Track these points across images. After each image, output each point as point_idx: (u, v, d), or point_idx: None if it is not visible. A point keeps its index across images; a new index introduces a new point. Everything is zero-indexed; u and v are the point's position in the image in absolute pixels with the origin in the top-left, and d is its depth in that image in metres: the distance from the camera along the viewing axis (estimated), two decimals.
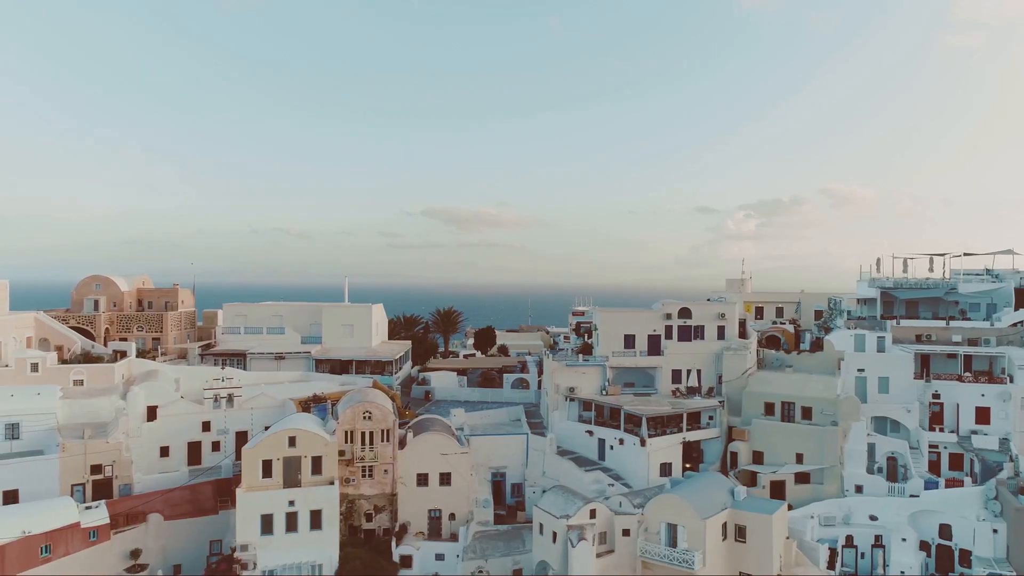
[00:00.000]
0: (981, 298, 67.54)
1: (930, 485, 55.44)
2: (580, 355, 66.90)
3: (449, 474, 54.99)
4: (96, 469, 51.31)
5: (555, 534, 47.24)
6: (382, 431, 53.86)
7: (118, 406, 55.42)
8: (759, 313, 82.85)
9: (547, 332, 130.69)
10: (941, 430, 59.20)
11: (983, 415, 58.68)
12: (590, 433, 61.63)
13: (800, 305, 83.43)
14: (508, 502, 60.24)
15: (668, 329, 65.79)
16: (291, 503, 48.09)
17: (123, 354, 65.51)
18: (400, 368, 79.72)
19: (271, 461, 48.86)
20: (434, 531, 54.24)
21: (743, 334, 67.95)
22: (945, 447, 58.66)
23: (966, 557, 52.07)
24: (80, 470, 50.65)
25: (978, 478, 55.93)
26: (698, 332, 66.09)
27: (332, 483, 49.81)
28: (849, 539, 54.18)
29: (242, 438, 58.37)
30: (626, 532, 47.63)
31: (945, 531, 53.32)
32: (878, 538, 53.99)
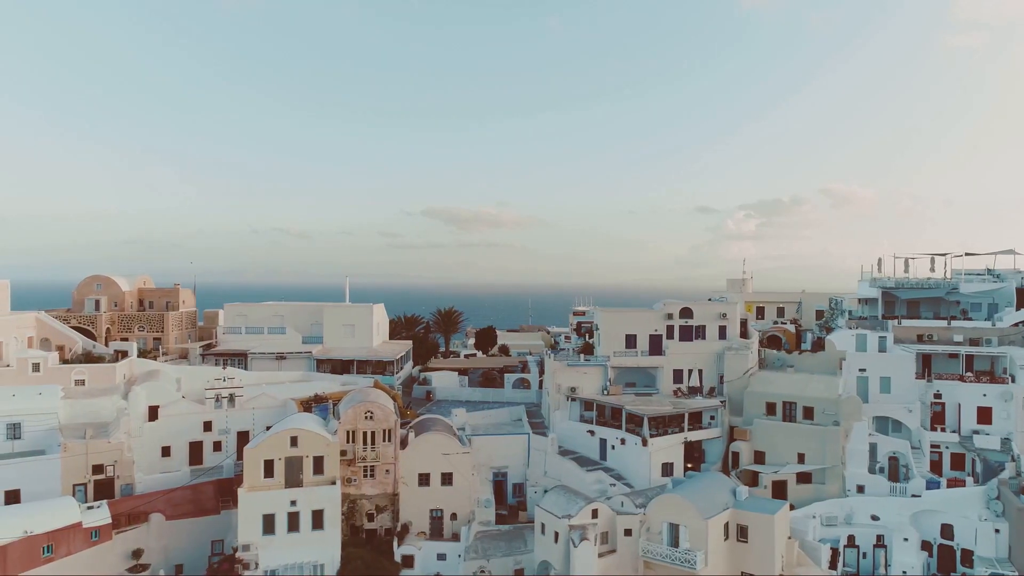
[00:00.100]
0: (983, 298, 67.50)
1: (932, 485, 55.42)
2: (582, 355, 66.89)
3: (451, 474, 54.98)
4: (98, 469, 51.24)
5: (557, 534, 47.22)
6: (384, 431, 53.86)
7: (119, 406, 55.39)
8: (760, 313, 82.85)
9: (548, 332, 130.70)
10: (943, 430, 59.19)
11: (985, 415, 58.67)
12: (592, 433, 61.63)
13: (801, 305, 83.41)
14: (509, 502, 60.23)
15: (669, 329, 65.78)
16: (293, 503, 48.13)
17: (124, 354, 65.48)
18: (401, 368, 79.72)
19: (273, 461, 48.90)
20: (436, 531, 54.23)
21: (744, 334, 67.95)
22: (947, 447, 58.67)
23: (968, 557, 52.07)
24: (82, 470, 50.60)
25: (980, 478, 55.91)
26: (699, 332, 66.09)
27: (334, 483, 49.83)
28: (851, 539, 54.14)
29: (243, 438, 58.38)
30: (628, 532, 47.64)
31: (947, 531, 53.32)
32: (880, 538, 53.95)
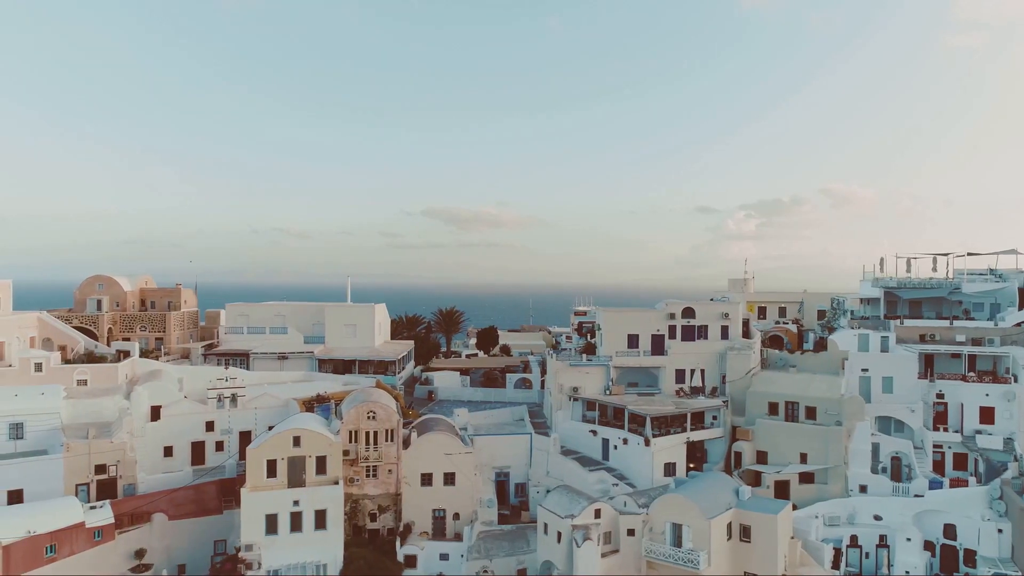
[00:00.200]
0: (985, 298, 67.46)
1: (934, 485, 55.39)
2: (584, 355, 66.87)
3: (453, 474, 54.93)
4: (100, 469, 51.23)
5: (560, 534, 47.17)
6: (386, 431, 53.82)
7: (122, 406, 55.41)
8: (762, 313, 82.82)
9: (549, 332, 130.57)
10: (945, 430, 59.15)
11: (987, 415, 58.63)
12: (594, 433, 61.63)
13: (803, 305, 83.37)
14: (512, 502, 60.23)
15: (672, 329, 65.76)
16: (296, 503, 48.14)
17: (126, 354, 65.50)
18: (403, 368, 79.72)
19: (276, 461, 48.94)
20: (438, 531, 54.19)
21: (747, 334, 67.95)
22: (949, 447, 58.67)
23: (971, 557, 52.11)
24: (84, 470, 50.59)
25: (982, 478, 55.91)
26: (702, 332, 66.06)
27: (336, 483, 49.83)
28: (854, 539, 54.14)
29: (245, 438, 58.41)
30: (631, 532, 47.59)
31: (949, 531, 53.32)
32: (882, 538, 53.97)
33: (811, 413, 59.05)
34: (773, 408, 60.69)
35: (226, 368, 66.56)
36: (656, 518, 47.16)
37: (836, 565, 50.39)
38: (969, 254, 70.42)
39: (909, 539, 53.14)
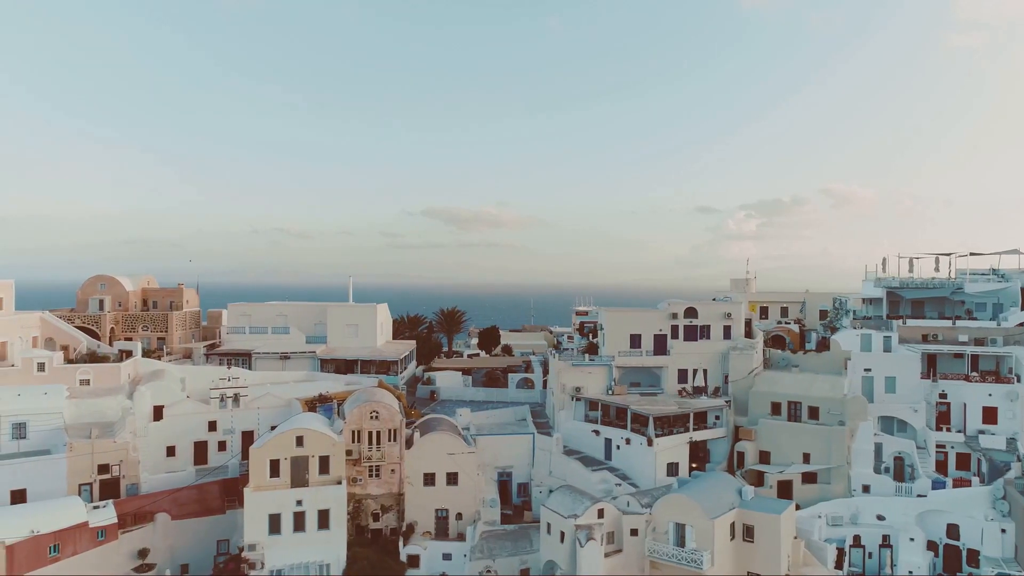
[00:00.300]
0: (987, 298, 67.41)
1: (937, 485, 55.36)
2: (586, 355, 66.88)
3: (456, 474, 54.91)
4: (103, 469, 51.29)
5: (563, 534, 47.15)
6: (389, 431, 53.81)
7: (124, 406, 55.42)
8: (764, 313, 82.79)
9: (550, 332, 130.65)
10: (948, 430, 59.10)
11: (990, 415, 58.58)
12: (596, 433, 61.59)
13: (805, 305, 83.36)
14: (514, 502, 60.22)
15: (674, 329, 65.72)
16: (299, 503, 48.10)
17: (129, 354, 65.52)
18: (405, 368, 79.73)
19: (279, 461, 48.91)
20: (441, 531, 54.18)
21: (749, 334, 67.93)
22: (952, 447, 58.61)
23: (974, 557, 52.07)
24: (87, 470, 50.62)
25: (985, 478, 55.88)
26: (704, 332, 66.03)
27: (339, 483, 49.82)
28: (857, 539, 54.11)
29: (248, 438, 58.38)
30: (634, 532, 47.54)
31: (953, 531, 53.29)
32: (886, 538, 53.94)
33: (814, 413, 59.05)
34: (776, 408, 60.68)
35: (228, 368, 66.55)
36: (659, 518, 47.12)
37: (839, 565, 50.39)
38: (972, 254, 70.44)
39: (912, 539, 53.11)
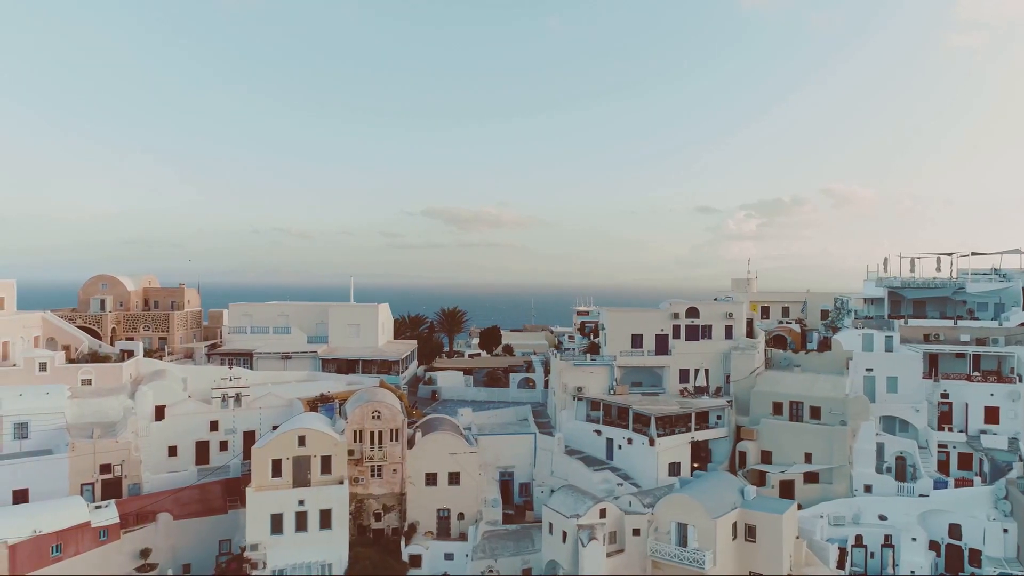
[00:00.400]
0: (989, 298, 67.45)
1: (939, 485, 55.35)
2: (588, 355, 66.85)
3: (458, 473, 54.91)
4: (105, 468, 51.29)
5: (565, 533, 47.17)
6: (391, 430, 53.82)
7: (126, 405, 55.43)
8: (765, 313, 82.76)
9: (551, 332, 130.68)
10: (950, 430, 59.14)
11: (992, 415, 58.63)
12: (598, 433, 61.57)
13: (806, 305, 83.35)
14: (516, 502, 60.22)
15: (676, 329, 65.71)
16: (301, 503, 48.08)
17: (130, 354, 65.50)
18: (406, 368, 79.75)
19: (281, 460, 48.87)
20: (443, 531, 54.18)
21: (751, 333, 67.93)
22: (954, 447, 58.62)
23: (976, 557, 52.05)
24: (89, 469, 50.61)
25: (987, 478, 55.85)
26: (706, 332, 66.02)
27: (341, 482, 49.80)
28: (859, 539, 54.10)
29: (250, 438, 58.34)
30: (636, 532, 47.57)
31: (955, 531, 53.28)
32: (888, 538, 53.92)
33: (815, 413, 59.04)
34: (777, 408, 60.68)
35: (230, 368, 66.56)
36: (661, 518, 47.14)
37: (841, 565, 50.40)
38: (973, 254, 70.47)
39: (914, 539, 53.08)
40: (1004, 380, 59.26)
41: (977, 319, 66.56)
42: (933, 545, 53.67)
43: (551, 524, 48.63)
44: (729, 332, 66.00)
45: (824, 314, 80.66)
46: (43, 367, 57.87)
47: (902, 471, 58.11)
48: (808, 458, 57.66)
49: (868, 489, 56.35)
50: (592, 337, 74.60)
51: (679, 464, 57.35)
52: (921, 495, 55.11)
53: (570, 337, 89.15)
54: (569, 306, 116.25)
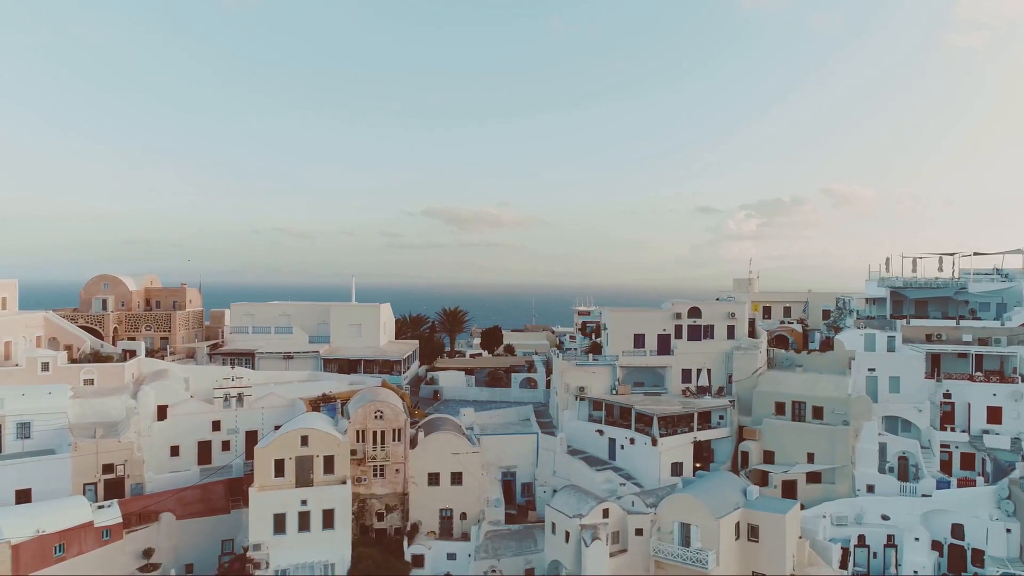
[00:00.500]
0: (991, 297, 67.47)
1: (942, 485, 55.39)
2: (590, 355, 66.85)
3: (460, 473, 54.86)
4: (108, 468, 51.20)
5: (568, 533, 47.12)
6: (394, 430, 53.81)
7: (129, 405, 55.37)
8: (767, 313, 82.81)
9: (552, 332, 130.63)
10: (952, 430, 59.14)
11: (995, 414, 58.63)
12: (600, 433, 61.59)
13: (808, 305, 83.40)
14: (518, 501, 60.17)
15: (678, 328, 65.72)
16: (303, 502, 48.05)
17: (132, 353, 65.48)
18: (408, 368, 79.69)
19: (283, 460, 48.81)
20: (445, 530, 54.16)
21: (753, 333, 67.93)
22: (957, 447, 58.61)
23: (979, 557, 52.02)
24: (92, 469, 50.55)
25: (990, 478, 55.84)
26: (708, 332, 66.04)
27: (344, 482, 49.76)
28: (861, 539, 54.14)
29: (252, 437, 58.34)
30: (639, 532, 47.52)
31: (957, 531, 53.26)
32: (890, 538, 53.96)
33: (818, 413, 59.06)
34: (780, 408, 60.69)
35: (232, 368, 66.57)
36: (664, 518, 47.10)
37: (844, 565, 50.39)
38: (975, 254, 70.44)
39: (917, 539, 53.09)
40: (1006, 380, 59.26)
41: (979, 319, 66.57)
42: (936, 545, 53.65)
43: (554, 524, 48.59)
44: (731, 332, 66.01)
45: (825, 314, 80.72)
46: (45, 367, 57.80)
47: (905, 471, 58.11)
48: (810, 458, 57.66)
49: (871, 489, 56.38)
50: (594, 337, 74.62)
51: (681, 464, 57.34)
52: (924, 495, 55.14)
53: (571, 337, 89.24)
54: (569, 306, 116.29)
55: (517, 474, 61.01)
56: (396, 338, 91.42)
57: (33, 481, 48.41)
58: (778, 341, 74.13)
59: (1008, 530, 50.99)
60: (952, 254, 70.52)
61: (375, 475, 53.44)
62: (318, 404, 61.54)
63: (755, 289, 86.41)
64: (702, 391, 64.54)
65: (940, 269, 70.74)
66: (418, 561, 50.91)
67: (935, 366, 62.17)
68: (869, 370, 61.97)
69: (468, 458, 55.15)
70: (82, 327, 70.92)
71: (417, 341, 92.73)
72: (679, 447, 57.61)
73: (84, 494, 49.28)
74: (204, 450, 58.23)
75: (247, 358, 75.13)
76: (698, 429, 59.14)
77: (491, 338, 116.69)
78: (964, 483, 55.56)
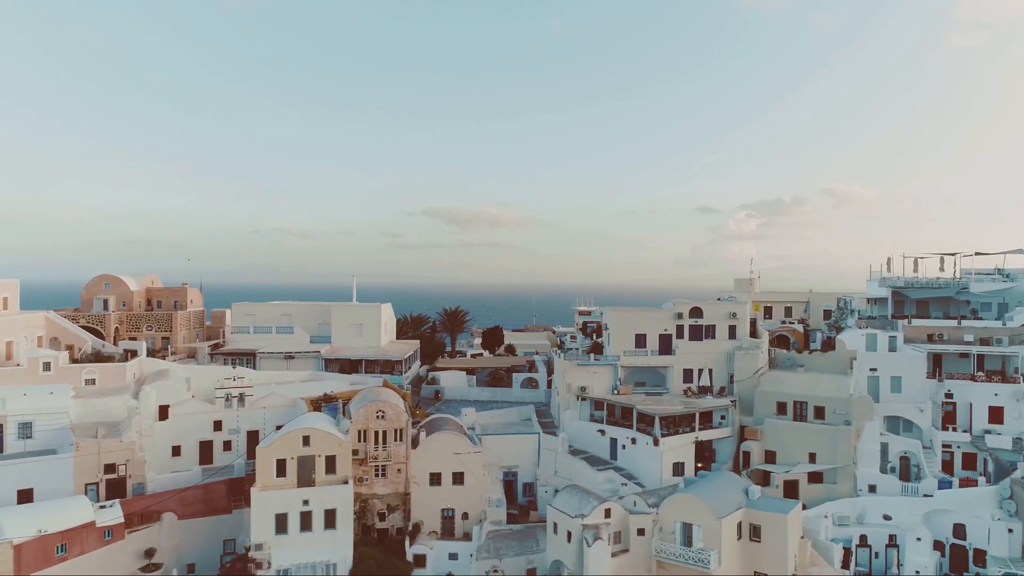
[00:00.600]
0: (993, 297, 67.47)
1: (944, 485, 55.39)
2: (591, 355, 66.81)
3: (462, 473, 54.86)
4: (110, 468, 51.12)
5: (570, 533, 47.13)
6: (395, 430, 53.81)
7: (130, 405, 55.36)
8: (768, 312, 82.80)
9: (553, 332, 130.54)
10: (954, 429, 59.14)
11: (996, 414, 58.63)
12: (602, 432, 61.59)
13: (809, 305, 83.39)
14: (520, 501, 60.15)
15: (679, 328, 65.71)
16: (305, 502, 48.07)
17: (134, 353, 65.48)
18: (409, 368, 79.67)
19: (285, 460, 48.82)
20: (447, 530, 54.16)
21: (754, 333, 67.91)
22: (958, 447, 58.62)
23: (981, 557, 52.00)
24: (94, 469, 50.49)
25: (992, 478, 55.87)
26: (709, 331, 66.01)
27: (346, 482, 49.77)
28: (863, 539, 54.15)
29: (253, 437, 58.35)
30: (641, 532, 47.57)
31: (959, 531, 53.25)
32: (892, 538, 53.96)
33: (820, 413, 59.03)
34: (781, 408, 60.67)
35: (233, 368, 66.56)
36: (666, 518, 47.13)
37: (846, 565, 50.44)
38: (977, 254, 70.41)
39: (919, 539, 53.11)
40: (1008, 380, 59.26)
41: (981, 319, 66.56)
42: (938, 545, 53.65)
43: (556, 524, 48.60)
44: (733, 332, 65.99)
45: (827, 314, 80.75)
46: (47, 367, 57.79)
47: (906, 471, 58.11)
48: (812, 458, 57.64)
49: (872, 489, 56.37)
50: (595, 337, 74.58)
51: (683, 464, 57.33)
52: (925, 495, 55.14)
53: (572, 337, 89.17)
54: (569, 306, 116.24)
55: (519, 474, 61.00)
56: (397, 338, 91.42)
57: (35, 481, 48.35)
58: (779, 341, 74.11)
59: (1010, 530, 50.97)
60: (953, 254, 70.56)
61: (377, 475, 53.43)
62: (319, 404, 61.52)
63: (756, 289, 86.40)
64: (704, 391, 64.53)
65: (941, 269, 70.76)
66: (420, 561, 50.91)
67: (937, 366, 62.17)
68: (871, 370, 61.97)
69: (470, 458, 55.14)
70: (83, 327, 70.93)
71: (418, 341, 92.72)
72: (681, 447, 57.60)
73: (86, 494, 49.24)
74: (206, 450, 58.22)
75: (248, 358, 75.13)
76: (700, 429, 59.13)
77: (492, 338, 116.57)
78: (966, 483, 55.54)
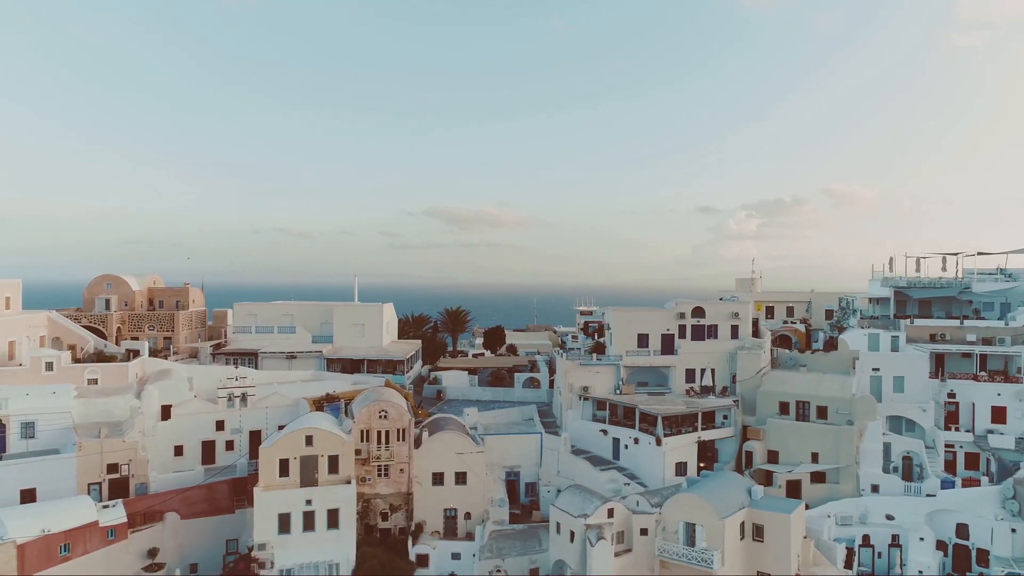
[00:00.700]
0: (995, 297, 67.46)
1: (946, 484, 55.36)
2: (594, 354, 66.81)
3: (464, 473, 54.83)
4: (112, 468, 51.06)
5: (573, 533, 47.11)
6: (398, 430, 53.78)
7: (133, 405, 55.36)
8: (770, 312, 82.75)
9: (554, 332, 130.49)
10: (957, 429, 59.14)
11: (999, 414, 58.62)
12: (604, 432, 61.61)
13: (811, 305, 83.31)
14: (522, 501, 60.16)
15: (682, 328, 65.72)
16: (308, 502, 48.09)
17: (136, 353, 65.47)
18: (411, 367, 79.65)
19: (288, 460, 48.85)
20: (450, 530, 54.14)
21: (757, 333, 67.89)
22: (961, 446, 58.62)
23: (984, 556, 52.04)
24: (97, 469, 50.47)
25: (995, 477, 55.84)
26: (711, 331, 66.02)
27: (349, 482, 49.78)
28: (866, 538, 54.12)
29: (256, 437, 58.39)
30: (644, 531, 47.55)
31: (962, 531, 53.25)
32: (895, 537, 53.96)
33: (822, 413, 59.01)
34: (784, 407, 60.65)
35: (235, 367, 66.54)
36: (669, 517, 47.11)
37: (849, 565, 50.37)
38: (979, 254, 70.44)
39: (922, 539, 53.12)
40: (1011, 380, 59.26)
41: (983, 319, 66.55)
42: (940, 545, 53.66)
43: (559, 524, 48.58)
44: (735, 332, 65.98)
45: (828, 314, 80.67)
46: (49, 366, 57.80)
47: (909, 471, 58.10)
48: (815, 458, 57.60)
49: (875, 489, 56.35)
50: (596, 337, 74.57)
51: (686, 464, 57.34)
52: (928, 495, 55.14)
53: (573, 337, 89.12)
54: (570, 306, 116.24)
55: (521, 474, 61.00)
56: (399, 338, 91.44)
57: (38, 481, 48.32)
58: (781, 341, 74.07)
59: (1013, 530, 51.07)
60: (956, 254, 70.58)
61: (379, 475, 53.41)
62: (322, 404, 61.51)
63: (758, 289, 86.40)
64: (706, 391, 64.52)
65: (944, 269, 70.79)
66: (422, 561, 50.90)
67: (939, 366, 62.15)
68: (873, 370, 61.97)
69: (472, 458, 55.11)
70: (85, 327, 70.93)
71: (420, 341, 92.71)
72: (683, 447, 57.60)
73: (89, 494, 49.19)
74: (208, 450, 58.25)
75: (250, 358, 75.12)
76: (702, 429, 59.12)
77: (494, 338, 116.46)
78: (969, 483, 55.52)
